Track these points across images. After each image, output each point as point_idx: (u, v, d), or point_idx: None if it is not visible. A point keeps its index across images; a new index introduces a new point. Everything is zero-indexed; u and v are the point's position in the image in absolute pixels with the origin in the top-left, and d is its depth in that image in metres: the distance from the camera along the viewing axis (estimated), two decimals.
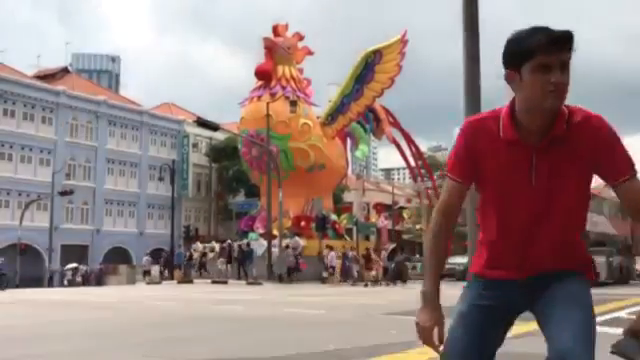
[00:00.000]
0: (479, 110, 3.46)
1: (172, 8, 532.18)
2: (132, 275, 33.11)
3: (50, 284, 37.65)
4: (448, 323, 2.08)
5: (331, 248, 28.92)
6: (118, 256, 45.37)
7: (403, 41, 32.45)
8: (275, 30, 35.09)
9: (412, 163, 44.63)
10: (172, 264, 34.80)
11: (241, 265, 30.44)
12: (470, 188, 2.10)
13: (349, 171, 43.90)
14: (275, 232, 29.73)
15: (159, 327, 8.89)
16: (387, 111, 38.46)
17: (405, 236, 56.53)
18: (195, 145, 53.18)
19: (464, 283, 2.23)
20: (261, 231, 32.60)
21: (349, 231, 37.77)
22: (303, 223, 33.39)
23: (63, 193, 38.81)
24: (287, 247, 29.08)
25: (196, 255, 34.45)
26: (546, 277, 2.01)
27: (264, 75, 33.98)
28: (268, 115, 30.32)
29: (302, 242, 30.94)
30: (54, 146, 44.53)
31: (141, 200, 49.72)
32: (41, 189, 41.47)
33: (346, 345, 6.31)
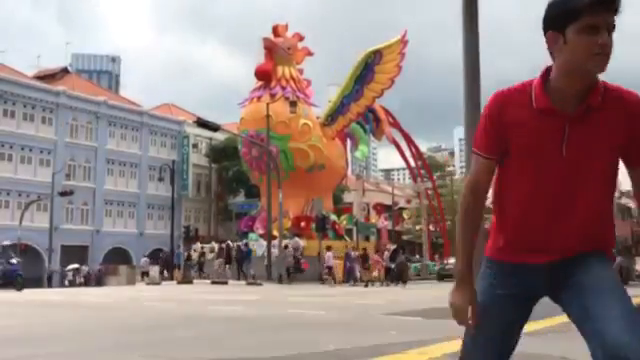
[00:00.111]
0: (479, 111, 3.46)
1: (172, 8, 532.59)
2: (132, 276, 33.10)
3: (49, 284, 37.66)
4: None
5: (328, 248, 28.93)
6: (118, 256, 45.37)
7: (403, 41, 32.46)
8: (275, 30, 35.09)
9: (412, 163, 44.68)
10: (172, 264, 34.82)
11: (240, 265, 30.46)
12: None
13: (349, 171, 43.92)
14: (275, 233, 29.74)
15: (158, 328, 8.88)
16: (387, 111, 38.50)
17: (405, 237, 56.59)
18: (195, 145, 53.20)
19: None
20: (261, 231, 32.61)
21: (349, 232, 37.78)
22: (303, 224, 33.39)
23: (63, 193, 38.80)
24: (286, 247, 29.08)
25: (195, 255, 34.47)
26: (571, 260, 1.94)
27: (264, 75, 33.98)
28: (268, 115, 30.33)
29: (302, 243, 30.95)
30: (54, 146, 44.53)
31: (141, 200, 49.72)
32: (41, 189, 41.47)
33: (346, 345, 6.31)
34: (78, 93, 46.99)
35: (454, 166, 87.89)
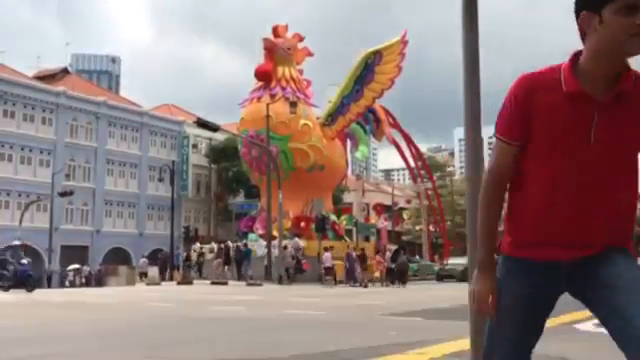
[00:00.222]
0: (479, 111, 3.45)
1: (172, 9, 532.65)
2: (132, 276, 33.08)
3: (49, 285, 37.63)
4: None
5: (326, 249, 28.96)
6: (118, 257, 45.38)
7: (403, 42, 32.44)
8: (275, 31, 35.09)
9: (412, 164, 44.70)
10: (172, 265, 34.80)
11: (239, 266, 30.44)
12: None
13: (349, 172, 43.92)
14: (275, 233, 29.72)
15: (159, 328, 8.88)
16: (387, 112, 38.49)
17: (405, 237, 56.58)
18: (195, 146, 53.21)
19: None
20: (261, 232, 32.59)
21: (349, 232, 37.77)
22: (303, 224, 33.38)
23: (63, 194, 38.79)
24: (285, 248, 29.08)
25: (194, 256, 34.45)
26: (596, 256, 1.87)
27: (264, 76, 33.98)
28: (268, 116, 30.32)
29: (302, 243, 30.95)
30: (54, 147, 44.54)
31: (141, 201, 49.73)
32: (41, 190, 41.48)
33: (346, 346, 6.31)
34: (78, 93, 47.00)
35: (454, 166, 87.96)
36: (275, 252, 28.50)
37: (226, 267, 31.06)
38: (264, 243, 29.89)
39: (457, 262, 32.29)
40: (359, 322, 9.75)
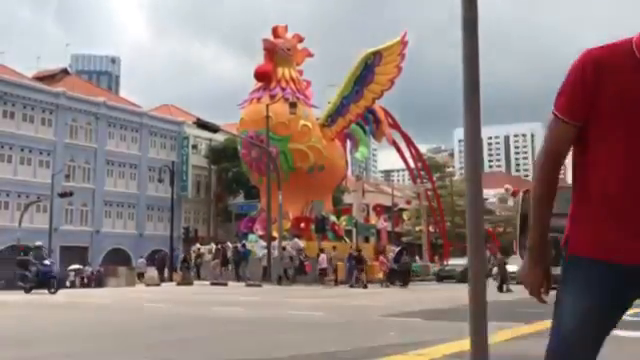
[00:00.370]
0: (479, 112, 3.45)
1: (172, 9, 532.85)
2: (131, 277, 33.03)
3: None
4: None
5: (322, 250, 28.99)
6: (117, 257, 45.33)
7: (403, 42, 32.45)
8: (275, 31, 35.07)
9: (412, 165, 44.70)
10: (171, 265, 34.77)
11: (237, 267, 30.42)
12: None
13: (349, 172, 43.91)
14: (275, 234, 29.71)
15: (159, 329, 8.88)
16: (387, 113, 38.49)
17: (405, 238, 56.57)
18: (195, 146, 53.19)
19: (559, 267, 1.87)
20: (261, 233, 32.56)
21: (349, 233, 37.76)
22: (303, 225, 33.37)
23: (63, 194, 38.76)
24: (284, 249, 29.07)
25: (192, 256, 34.41)
26: None
27: (264, 76, 33.97)
28: (268, 116, 30.31)
29: (301, 244, 30.95)
30: (54, 147, 44.52)
31: (141, 201, 49.71)
32: (41, 190, 41.44)
33: (345, 347, 6.31)
34: (78, 94, 46.96)
35: (454, 167, 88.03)
36: (275, 253, 28.50)
37: (223, 268, 31.05)
38: (264, 244, 29.88)
39: (457, 263, 32.33)
40: (358, 323, 9.74)
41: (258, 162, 33.21)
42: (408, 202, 57.16)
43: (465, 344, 4.13)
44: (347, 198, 47.65)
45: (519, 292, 20.61)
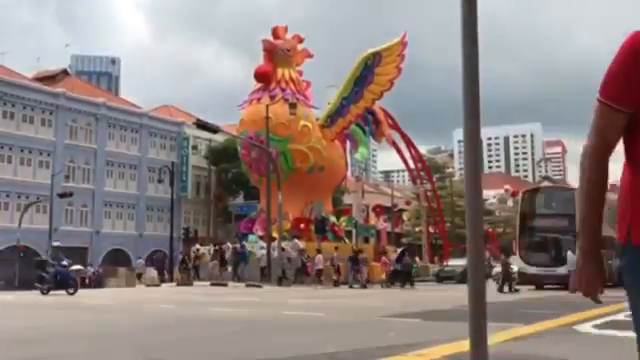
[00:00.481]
0: (479, 113, 3.46)
1: (172, 10, 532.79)
2: (131, 277, 33.04)
3: None
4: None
5: (318, 251, 28.99)
6: (117, 258, 45.32)
7: (403, 43, 32.46)
8: (275, 32, 35.08)
9: (411, 165, 44.72)
10: (171, 266, 34.76)
11: (235, 267, 30.41)
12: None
13: (348, 173, 43.93)
14: (275, 234, 29.71)
15: (159, 330, 8.88)
16: (386, 113, 38.51)
17: (404, 238, 56.59)
18: (194, 147, 53.18)
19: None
20: (261, 233, 32.55)
21: (348, 233, 37.77)
22: (302, 225, 33.37)
23: (62, 195, 38.76)
24: (283, 249, 29.07)
25: (192, 257, 34.38)
26: None
27: (264, 77, 33.97)
28: (267, 117, 30.31)
29: (301, 244, 30.94)
30: (53, 148, 44.50)
31: (140, 202, 49.69)
32: (40, 191, 41.42)
33: (345, 347, 6.31)
34: (78, 95, 46.96)
35: (453, 168, 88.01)
36: (275, 253, 28.49)
37: (222, 269, 31.04)
38: (264, 244, 29.87)
39: (457, 263, 32.32)
40: (358, 323, 9.74)
41: (258, 163, 33.21)
42: (408, 203, 57.18)
43: (465, 345, 4.13)
44: (347, 199, 47.66)
45: (521, 292, 20.63)
